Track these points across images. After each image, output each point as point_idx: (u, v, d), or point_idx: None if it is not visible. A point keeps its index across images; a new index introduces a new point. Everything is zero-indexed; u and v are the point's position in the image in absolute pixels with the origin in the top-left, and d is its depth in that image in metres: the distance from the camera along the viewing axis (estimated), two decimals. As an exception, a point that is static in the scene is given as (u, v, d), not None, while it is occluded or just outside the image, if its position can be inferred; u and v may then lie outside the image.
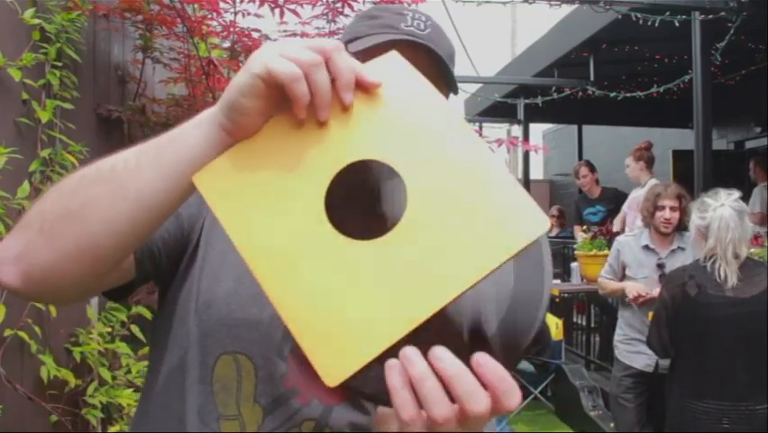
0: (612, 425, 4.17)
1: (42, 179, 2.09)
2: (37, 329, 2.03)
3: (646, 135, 7.32)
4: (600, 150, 8.70)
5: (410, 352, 0.53)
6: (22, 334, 1.98)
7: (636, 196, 5.21)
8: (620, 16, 4.48)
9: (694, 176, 4.29)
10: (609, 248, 4.03)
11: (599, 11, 4.47)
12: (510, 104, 7.46)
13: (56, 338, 2.20)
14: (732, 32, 4.27)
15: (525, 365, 5.75)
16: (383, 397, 0.56)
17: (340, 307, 0.59)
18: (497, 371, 0.53)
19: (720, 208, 2.68)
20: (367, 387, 0.60)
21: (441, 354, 0.53)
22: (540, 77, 6.91)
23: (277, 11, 2.64)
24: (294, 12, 2.64)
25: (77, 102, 2.28)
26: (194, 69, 2.81)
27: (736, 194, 2.77)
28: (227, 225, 0.63)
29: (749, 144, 7.70)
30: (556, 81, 6.67)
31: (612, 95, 5.88)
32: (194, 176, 0.65)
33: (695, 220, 2.77)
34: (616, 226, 5.35)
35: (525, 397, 5.53)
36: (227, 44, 2.92)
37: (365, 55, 0.81)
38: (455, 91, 0.90)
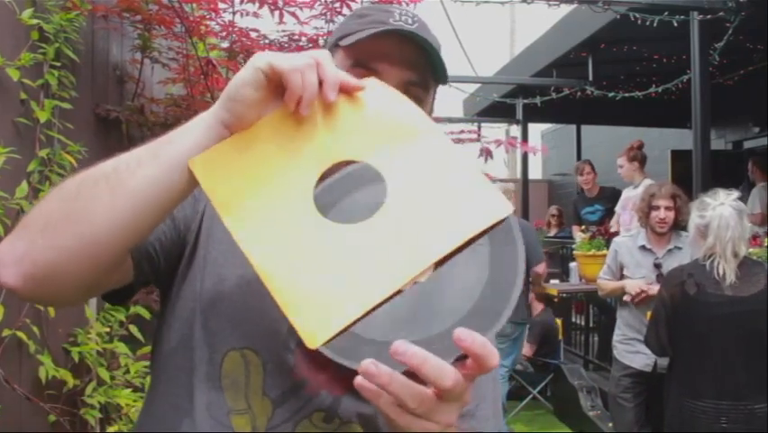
0: (611, 425, 4.17)
1: (41, 178, 2.09)
2: (35, 329, 2.03)
3: (645, 135, 7.33)
4: (599, 150, 8.71)
5: (368, 365, 0.58)
6: (20, 334, 1.98)
7: (629, 196, 5.22)
8: (619, 16, 4.48)
9: (692, 176, 4.29)
10: (608, 248, 4.03)
11: (598, 11, 4.47)
12: (509, 104, 7.46)
13: (54, 338, 2.19)
14: (730, 32, 4.27)
15: (523, 365, 5.76)
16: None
17: (323, 278, 0.66)
18: (476, 339, 0.59)
19: (720, 207, 2.69)
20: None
21: (398, 348, 0.58)
22: (539, 77, 6.91)
23: (276, 13, 2.64)
24: (292, 14, 2.64)
25: (76, 102, 2.28)
26: (192, 69, 2.81)
27: (736, 194, 2.78)
28: (219, 207, 0.69)
29: (747, 144, 7.70)
30: (555, 81, 6.68)
31: (611, 95, 5.88)
32: (189, 160, 0.71)
33: (694, 219, 2.78)
34: (614, 227, 5.36)
35: (523, 397, 5.53)
36: (226, 44, 2.92)
37: (358, 48, 0.88)
38: (445, 81, 0.93)
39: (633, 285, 3.48)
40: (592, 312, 6.07)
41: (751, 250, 2.95)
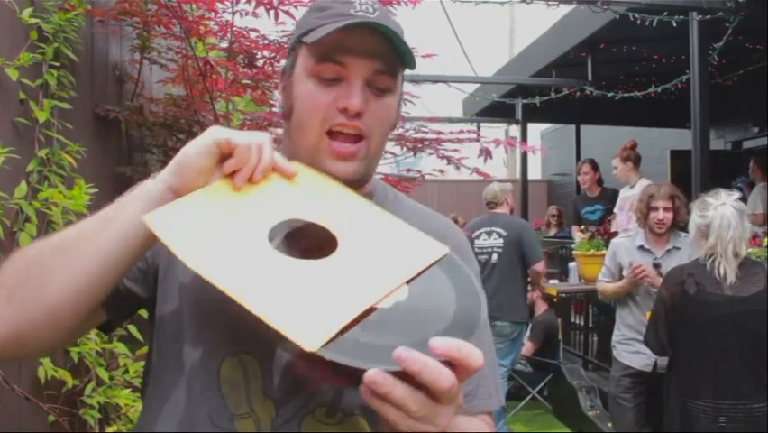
0: (610, 425, 4.18)
1: (40, 178, 2.09)
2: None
3: (644, 135, 7.33)
4: (598, 150, 8.69)
5: (373, 374, 0.62)
6: (19, 334, 1.97)
7: (626, 196, 5.22)
8: (618, 16, 4.48)
9: (692, 176, 4.29)
10: (607, 248, 4.03)
11: (597, 11, 4.47)
12: (508, 104, 7.45)
13: (53, 338, 2.18)
14: (730, 32, 4.27)
15: (522, 365, 5.76)
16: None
17: (304, 294, 0.72)
18: (450, 344, 0.63)
19: (722, 207, 2.69)
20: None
21: (401, 354, 0.62)
22: (538, 77, 6.91)
23: (272, 12, 2.63)
24: (287, 12, 2.63)
25: (75, 102, 2.28)
26: (191, 70, 2.81)
27: (737, 194, 2.78)
28: (180, 252, 0.73)
29: (747, 144, 7.70)
30: (554, 81, 6.68)
31: (610, 95, 5.88)
32: (144, 216, 0.75)
33: (695, 219, 2.78)
34: (614, 227, 5.35)
35: (522, 397, 5.53)
36: (225, 44, 2.91)
37: (322, 43, 0.89)
38: (412, 65, 0.93)
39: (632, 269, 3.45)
40: (591, 312, 6.07)
41: (750, 250, 2.95)
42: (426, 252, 0.82)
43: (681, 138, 7.01)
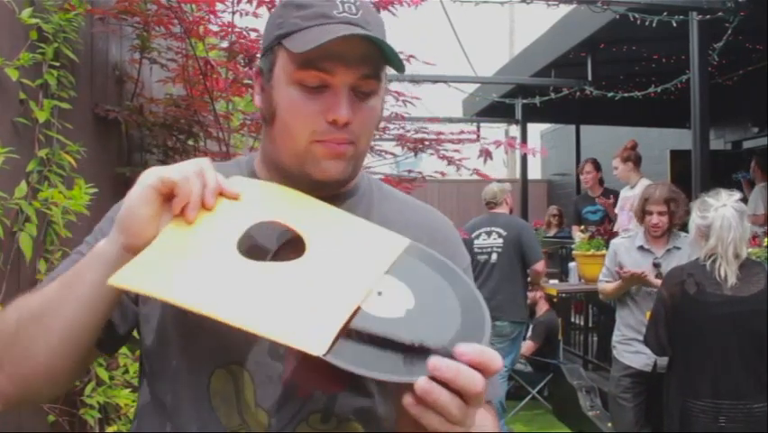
0: (610, 425, 4.18)
1: (40, 178, 2.09)
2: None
3: (644, 135, 7.33)
4: (598, 150, 8.69)
5: (425, 384, 0.64)
6: (19, 334, 1.97)
7: (626, 196, 5.22)
8: (618, 16, 4.48)
9: (692, 176, 4.29)
10: (607, 248, 4.03)
11: (597, 11, 4.47)
12: (508, 104, 7.45)
13: (53, 339, 2.18)
14: (730, 32, 4.27)
15: (522, 365, 5.76)
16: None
17: (293, 301, 0.72)
18: (474, 349, 0.66)
19: (722, 208, 2.68)
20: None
21: (435, 363, 0.65)
22: (538, 77, 6.91)
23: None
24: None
25: (75, 102, 2.27)
26: (191, 70, 2.81)
27: (737, 195, 2.77)
28: (159, 294, 0.72)
29: (747, 144, 7.70)
30: (554, 81, 6.68)
31: (610, 95, 5.87)
32: (110, 280, 0.73)
33: (696, 219, 2.77)
34: (615, 227, 5.35)
35: (522, 397, 5.53)
36: (225, 44, 2.91)
37: (307, 59, 0.85)
38: (401, 70, 0.90)
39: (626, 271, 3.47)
40: (591, 312, 6.07)
41: (750, 250, 2.95)
42: (391, 245, 0.84)
43: (681, 138, 7.01)
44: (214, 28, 2.80)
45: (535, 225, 6.84)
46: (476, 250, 4.75)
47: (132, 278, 0.73)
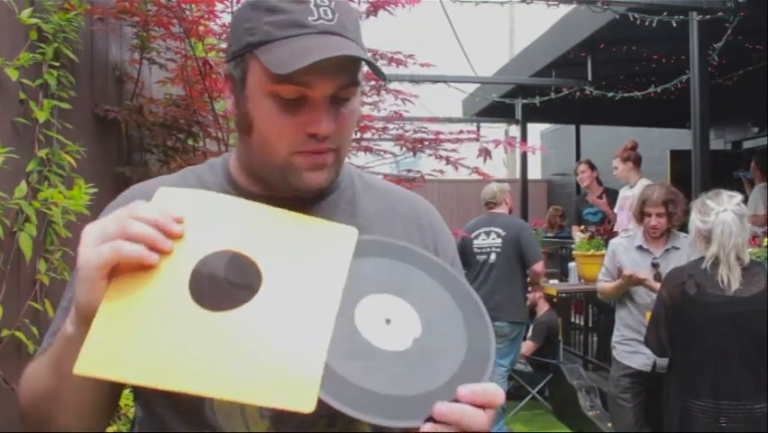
0: (610, 425, 4.17)
1: (40, 179, 2.09)
2: (34, 330, 2.03)
3: (644, 135, 7.33)
4: (598, 150, 8.70)
5: (428, 429, 0.66)
6: (19, 334, 1.97)
7: (626, 196, 5.23)
8: (618, 16, 4.48)
9: (691, 176, 4.29)
10: (607, 248, 4.03)
11: (597, 11, 4.47)
12: (508, 104, 7.45)
13: (53, 339, 2.18)
14: (729, 32, 4.27)
15: (522, 365, 5.76)
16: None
17: (262, 355, 0.68)
18: (476, 390, 0.69)
19: (723, 213, 2.64)
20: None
21: (441, 410, 0.67)
22: (538, 77, 6.91)
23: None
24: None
25: (75, 102, 2.27)
26: (191, 70, 2.81)
27: (738, 196, 2.74)
28: (127, 380, 0.69)
29: (747, 144, 7.70)
30: (554, 81, 6.67)
31: (610, 95, 5.87)
32: (74, 370, 0.68)
33: (696, 222, 2.75)
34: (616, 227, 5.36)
35: (522, 397, 5.53)
36: (225, 45, 2.91)
37: (286, 81, 0.81)
38: (383, 76, 0.88)
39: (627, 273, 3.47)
40: (591, 312, 6.07)
41: (750, 250, 2.93)
42: (341, 241, 0.80)
43: (681, 138, 7.01)
44: (216, 28, 2.80)
45: (535, 225, 6.83)
46: (475, 250, 4.75)
47: (93, 364, 0.68)
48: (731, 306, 2.58)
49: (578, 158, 8.05)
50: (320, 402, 0.67)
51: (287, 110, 0.83)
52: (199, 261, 0.74)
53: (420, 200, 1.07)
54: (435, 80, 6.34)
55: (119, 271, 0.72)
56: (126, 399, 2.27)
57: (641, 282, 3.40)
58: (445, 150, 3.36)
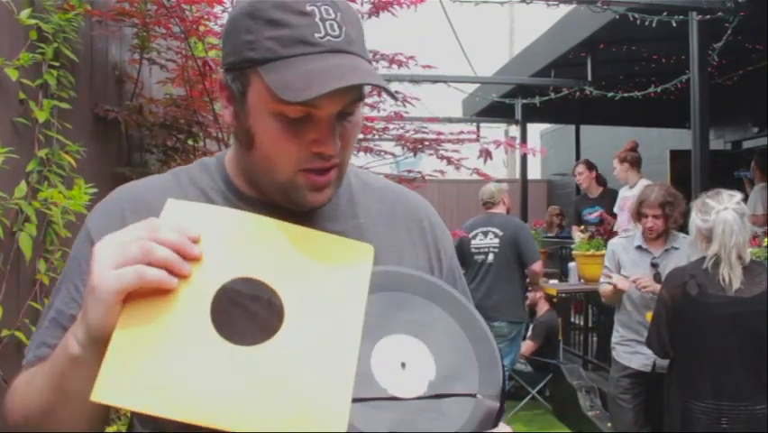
0: (610, 425, 4.17)
1: (39, 179, 2.09)
2: (34, 330, 2.03)
3: (644, 135, 7.33)
4: (598, 150, 8.70)
5: None
6: (19, 334, 1.97)
7: (626, 196, 5.23)
8: (618, 16, 4.47)
9: (691, 176, 4.29)
10: (607, 248, 4.03)
11: (597, 11, 4.47)
12: (508, 104, 7.45)
13: (53, 339, 2.18)
14: (729, 32, 4.27)
15: (522, 365, 5.76)
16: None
17: (286, 390, 0.68)
18: None
19: (723, 212, 2.64)
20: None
21: None
22: (538, 77, 6.91)
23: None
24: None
25: (75, 102, 2.27)
26: (191, 70, 2.81)
27: (738, 196, 2.73)
28: (153, 410, 0.66)
29: (746, 144, 7.70)
30: (554, 81, 6.67)
31: (609, 95, 5.87)
32: (92, 397, 0.67)
33: (696, 221, 2.74)
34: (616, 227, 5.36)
35: (522, 397, 5.53)
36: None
37: (297, 112, 0.80)
38: (395, 98, 0.88)
39: (621, 281, 3.46)
40: (591, 312, 6.07)
41: (750, 249, 2.93)
42: (358, 263, 0.79)
43: (681, 138, 7.01)
44: (216, 28, 2.80)
45: (535, 225, 6.84)
46: (473, 250, 4.76)
47: (113, 392, 0.66)
48: (732, 306, 2.58)
49: (578, 158, 8.05)
50: None
51: (291, 128, 0.81)
52: (219, 288, 0.73)
53: (418, 199, 1.07)
54: (435, 80, 6.34)
55: (134, 293, 0.70)
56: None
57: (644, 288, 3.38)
58: (446, 150, 3.37)
